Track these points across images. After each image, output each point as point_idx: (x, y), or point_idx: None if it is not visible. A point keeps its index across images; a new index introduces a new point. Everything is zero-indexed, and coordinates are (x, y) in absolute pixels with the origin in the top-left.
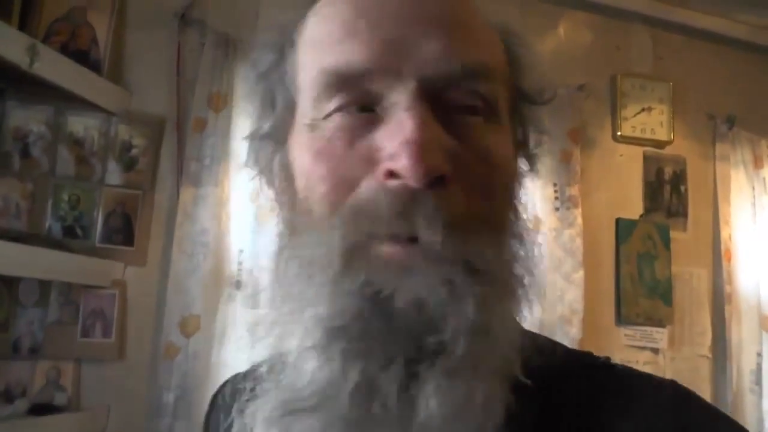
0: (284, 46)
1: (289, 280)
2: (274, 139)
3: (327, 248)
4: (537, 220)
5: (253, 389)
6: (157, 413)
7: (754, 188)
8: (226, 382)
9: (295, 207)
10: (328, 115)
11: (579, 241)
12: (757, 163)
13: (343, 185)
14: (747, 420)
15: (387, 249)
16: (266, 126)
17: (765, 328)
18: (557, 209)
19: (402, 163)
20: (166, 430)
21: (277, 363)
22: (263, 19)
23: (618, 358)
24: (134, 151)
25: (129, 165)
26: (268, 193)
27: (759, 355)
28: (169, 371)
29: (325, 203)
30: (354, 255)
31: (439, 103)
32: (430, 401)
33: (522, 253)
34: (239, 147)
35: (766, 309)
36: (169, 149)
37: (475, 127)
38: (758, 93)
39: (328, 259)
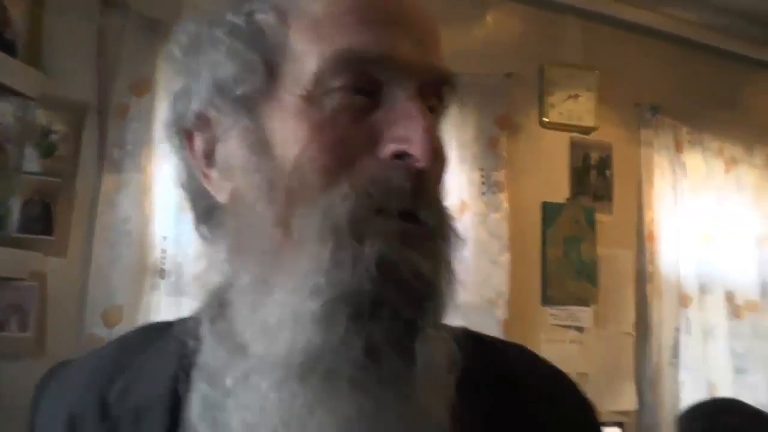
0: (261, 10)
1: (273, 246)
2: (240, 103)
3: (335, 218)
4: (463, 205)
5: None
6: None
7: (675, 172)
8: (56, 369)
9: (275, 176)
10: (331, 90)
11: (505, 225)
12: (679, 148)
13: (344, 159)
14: (665, 391)
15: (396, 223)
16: (239, 87)
17: (683, 305)
18: (483, 194)
19: (416, 146)
20: None
21: (225, 330)
22: (187, 2)
23: (544, 337)
24: (54, 137)
25: (48, 151)
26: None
27: (677, 330)
28: None
29: (325, 174)
30: (363, 226)
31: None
32: (427, 355)
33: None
34: (162, 133)
35: (684, 287)
36: (90, 135)
37: (435, 124)
38: (681, 83)
39: (336, 227)
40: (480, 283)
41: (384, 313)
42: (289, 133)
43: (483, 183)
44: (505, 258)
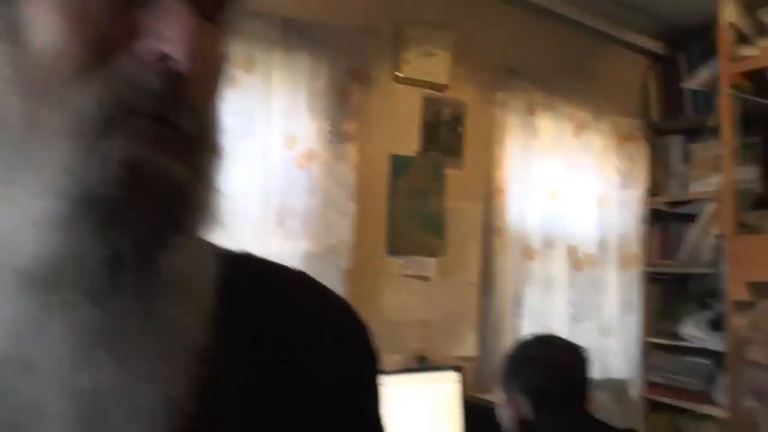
0: None
1: (16, 141)
2: None
3: (82, 115)
4: (311, 153)
5: None
6: None
7: (526, 133)
8: None
9: (23, 65)
10: None
11: (352, 176)
12: (531, 111)
13: (98, 53)
14: (506, 338)
15: (147, 125)
16: None
17: (528, 258)
18: (331, 143)
19: (175, 46)
20: None
21: None
22: None
23: (390, 286)
24: None
25: None
26: None
27: (521, 281)
28: None
29: (76, 67)
30: (111, 126)
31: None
32: (175, 268)
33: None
34: None
35: (529, 241)
36: None
37: (206, 29)
38: (537, 49)
39: (82, 125)
40: (325, 233)
41: (130, 220)
42: (43, 21)
43: (331, 133)
44: (352, 208)
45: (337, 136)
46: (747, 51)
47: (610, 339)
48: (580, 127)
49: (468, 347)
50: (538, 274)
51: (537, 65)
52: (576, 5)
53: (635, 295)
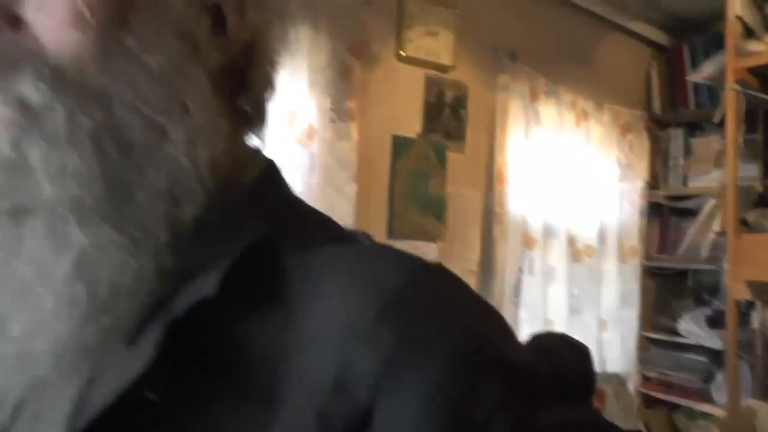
0: None
1: None
2: None
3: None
4: (311, 130)
5: None
6: None
7: (529, 120)
8: None
9: None
10: None
11: (353, 155)
12: (534, 97)
13: None
14: None
15: None
16: None
17: (528, 247)
18: (333, 121)
19: None
20: None
21: None
22: None
23: None
24: None
25: None
26: None
27: (520, 270)
28: None
29: None
30: None
31: None
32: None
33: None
34: None
35: (529, 230)
36: None
37: None
38: (539, 32)
39: None
40: (325, 212)
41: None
42: None
43: (332, 110)
44: (352, 188)
45: (338, 113)
46: (754, 46)
47: (608, 332)
48: (582, 116)
49: None
50: (537, 263)
51: (540, 50)
52: None
53: (634, 288)
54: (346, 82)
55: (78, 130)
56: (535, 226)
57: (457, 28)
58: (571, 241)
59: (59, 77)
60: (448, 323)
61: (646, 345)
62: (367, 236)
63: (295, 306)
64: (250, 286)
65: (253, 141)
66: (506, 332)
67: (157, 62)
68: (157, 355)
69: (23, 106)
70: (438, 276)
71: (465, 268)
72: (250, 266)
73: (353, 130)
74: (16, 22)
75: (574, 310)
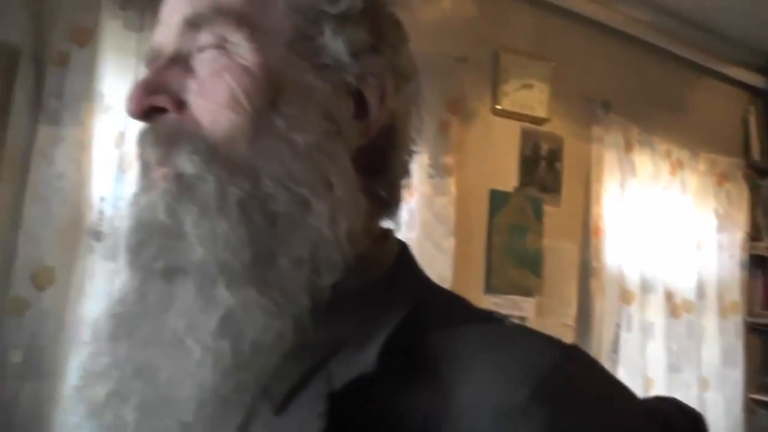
0: None
1: None
2: None
3: None
4: (410, 186)
5: None
6: (2, 374)
7: (623, 171)
8: None
9: None
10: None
11: (451, 210)
12: (628, 148)
13: None
14: None
15: None
16: None
17: (625, 302)
18: (431, 177)
19: None
20: (11, 394)
21: None
22: None
23: None
24: None
25: None
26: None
27: (618, 326)
28: (18, 328)
29: None
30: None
31: (180, 54)
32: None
33: (280, 165)
34: (104, 88)
35: (626, 284)
36: (24, 83)
37: (204, 61)
38: (631, 82)
39: None
40: (424, 267)
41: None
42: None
43: (431, 166)
44: (450, 243)
45: (436, 169)
46: None
47: (710, 392)
48: (677, 165)
49: None
50: (635, 319)
51: (633, 99)
52: (671, 35)
53: (737, 345)
54: (443, 138)
55: (227, 200)
56: (632, 280)
57: (551, 81)
58: (669, 296)
59: (212, 152)
60: (594, 408)
61: (753, 408)
62: (503, 315)
63: (448, 382)
64: (399, 361)
65: (386, 223)
66: (639, 413)
67: (303, 140)
68: (325, 428)
69: (179, 177)
70: (581, 359)
71: (561, 323)
72: (398, 341)
73: (451, 185)
74: (181, 105)
75: (673, 368)
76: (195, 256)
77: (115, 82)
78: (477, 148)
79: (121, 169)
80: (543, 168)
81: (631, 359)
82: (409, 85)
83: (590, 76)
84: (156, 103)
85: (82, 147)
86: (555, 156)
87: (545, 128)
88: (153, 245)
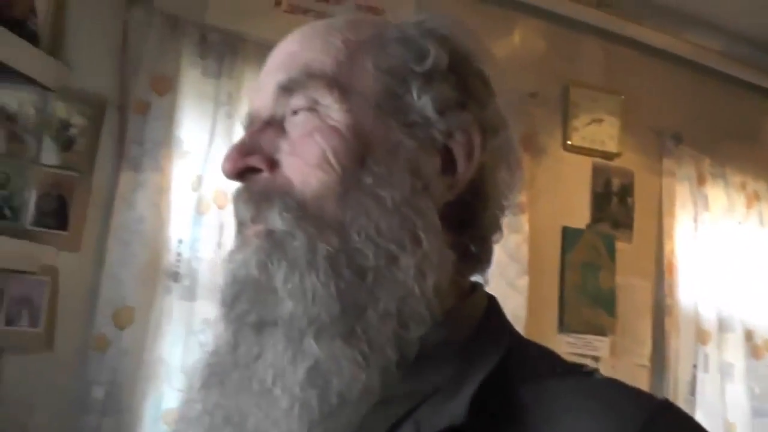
0: None
1: None
2: None
3: None
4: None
5: None
6: (84, 409)
7: (696, 204)
8: None
9: None
10: None
11: (525, 248)
12: (701, 181)
13: None
14: None
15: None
16: None
17: (701, 341)
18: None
19: None
20: (92, 428)
21: None
22: (213, 2)
23: None
24: (72, 131)
25: (66, 145)
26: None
27: (695, 366)
28: (100, 365)
29: None
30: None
31: (274, 118)
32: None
33: (370, 222)
34: (183, 133)
35: (702, 323)
36: (109, 131)
37: (296, 123)
38: (703, 113)
39: None
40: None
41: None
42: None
43: None
44: (524, 281)
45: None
46: None
47: None
48: (753, 198)
49: None
50: (713, 359)
51: (704, 130)
52: (743, 63)
53: None
54: None
55: (317, 255)
56: (709, 319)
57: (622, 114)
58: (749, 336)
59: (302, 209)
60: None
61: None
62: (593, 368)
63: None
64: (488, 412)
65: (475, 277)
66: None
67: (391, 197)
68: None
69: (270, 234)
70: (676, 412)
71: (636, 363)
72: (487, 393)
73: (524, 222)
74: (273, 164)
75: (757, 413)
76: (285, 309)
77: (194, 127)
78: (549, 185)
79: (198, 212)
80: (615, 204)
81: (710, 402)
82: (498, 138)
83: (660, 108)
84: (250, 164)
85: (161, 191)
86: (626, 191)
87: (616, 163)
88: (245, 299)
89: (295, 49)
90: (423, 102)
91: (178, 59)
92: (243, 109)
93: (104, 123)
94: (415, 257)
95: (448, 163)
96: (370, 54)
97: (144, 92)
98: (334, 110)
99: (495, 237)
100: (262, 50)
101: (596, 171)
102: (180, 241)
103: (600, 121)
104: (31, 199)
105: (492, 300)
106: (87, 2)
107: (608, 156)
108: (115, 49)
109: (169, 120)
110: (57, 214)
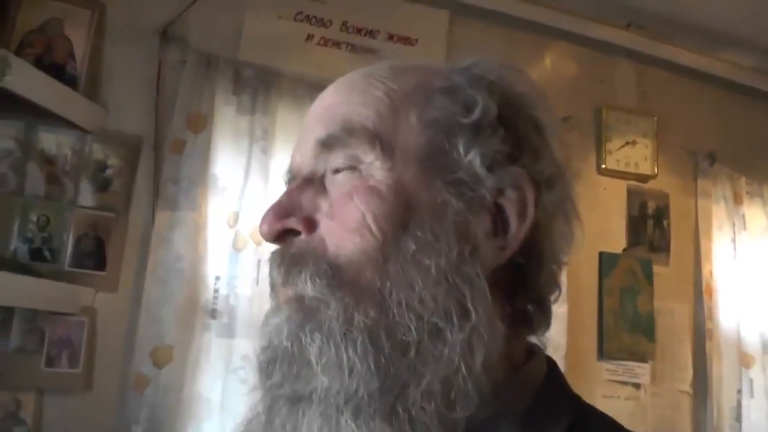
0: None
1: None
2: None
3: None
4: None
5: None
6: None
7: (734, 224)
8: None
9: None
10: None
11: (563, 275)
12: (737, 200)
13: None
14: None
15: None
16: None
17: (745, 366)
18: None
19: None
20: None
21: None
22: (246, 39)
23: (599, 392)
24: (109, 172)
25: (103, 186)
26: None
27: (739, 392)
28: (139, 404)
29: None
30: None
31: (315, 175)
32: None
33: (410, 283)
34: (218, 170)
35: (745, 346)
36: (145, 170)
37: (336, 182)
38: (738, 131)
39: None
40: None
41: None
42: None
43: None
44: (563, 310)
45: None
46: None
47: None
48: None
49: None
50: (758, 383)
51: (739, 148)
52: None
53: None
54: None
55: (353, 327)
56: (752, 342)
57: (655, 135)
58: None
59: (336, 276)
60: None
61: None
62: None
63: None
64: None
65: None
66: None
67: (436, 264)
68: None
69: (300, 299)
70: None
71: (678, 389)
72: None
73: None
74: (311, 226)
75: None
76: (320, 384)
77: (229, 164)
78: (584, 210)
79: (236, 248)
80: (651, 227)
81: (756, 428)
82: (554, 192)
83: (694, 128)
84: (287, 226)
85: (198, 228)
86: (662, 213)
87: (651, 185)
88: (279, 371)
89: (333, 101)
90: (471, 158)
91: (212, 97)
92: (278, 145)
93: (140, 163)
94: (462, 332)
95: (499, 223)
96: (414, 106)
97: (179, 131)
98: (375, 168)
99: (553, 296)
100: (295, 84)
101: (631, 194)
102: (217, 278)
103: (634, 143)
104: (70, 240)
105: (551, 366)
106: (122, 44)
107: (643, 178)
108: (150, 89)
109: (204, 157)
110: (95, 254)
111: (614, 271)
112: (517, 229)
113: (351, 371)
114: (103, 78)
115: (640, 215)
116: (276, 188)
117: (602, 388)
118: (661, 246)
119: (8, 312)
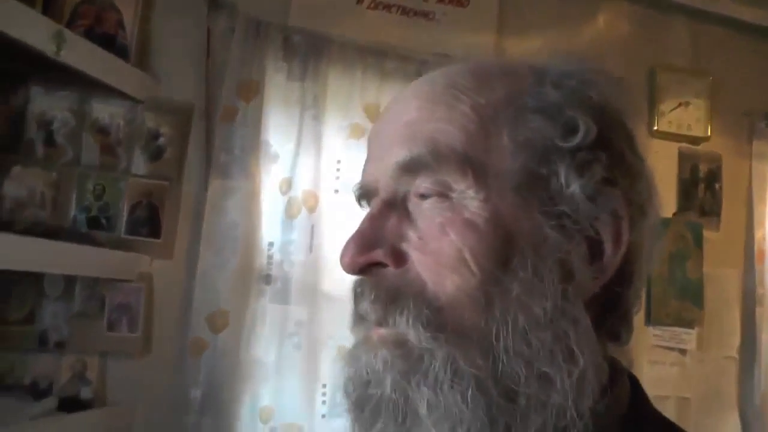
0: None
1: None
2: None
3: None
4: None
5: None
6: (183, 410)
7: None
8: None
9: None
10: None
11: None
12: None
13: None
14: None
15: None
16: None
17: None
18: None
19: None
20: (192, 427)
21: None
22: (295, 4)
23: (646, 358)
24: (161, 141)
25: (156, 155)
26: None
27: None
28: (197, 367)
29: None
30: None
31: (396, 198)
32: None
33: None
34: (270, 138)
35: None
36: (197, 139)
37: (424, 210)
38: None
39: None
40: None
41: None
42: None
43: None
44: None
45: None
46: None
47: None
48: None
49: (730, 430)
50: None
51: None
52: None
53: None
54: None
55: (462, 380)
56: None
57: (709, 96)
58: None
59: (439, 321)
60: None
61: None
62: None
63: None
64: None
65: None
66: None
67: (541, 307)
68: None
69: (401, 344)
70: None
71: (724, 355)
72: None
73: None
74: (399, 258)
75: None
76: None
77: (280, 131)
78: None
79: (288, 215)
80: (702, 191)
81: None
82: (649, 213)
83: (750, 88)
84: (372, 260)
85: (251, 196)
86: (714, 177)
87: (703, 148)
88: (383, 420)
89: (413, 117)
90: (571, 186)
91: (262, 64)
92: (329, 111)
93: (192, 131)
94: (570, 377)
95: (594, 250)
96: (505, 124)
97: (230, 99)
98: (469, 199)
99: (635, 309)
100: (345, 50)
101: (683, 157)
102: (271, 245)
103: (687, 104)
104: (125, 209)
105: (635, 387)
106: (171, 12)
107: (695, 141)
108: (200, 57)
109: (256, 125)
110: (149, 222)
111: (664, 237)
112: (613, 256)
113: (461, 421)
114: (153, 47)
115: (691, 178)
116: (327, 156)
117: (648, 353)
118: (712, 210)
119: (71, 278)
